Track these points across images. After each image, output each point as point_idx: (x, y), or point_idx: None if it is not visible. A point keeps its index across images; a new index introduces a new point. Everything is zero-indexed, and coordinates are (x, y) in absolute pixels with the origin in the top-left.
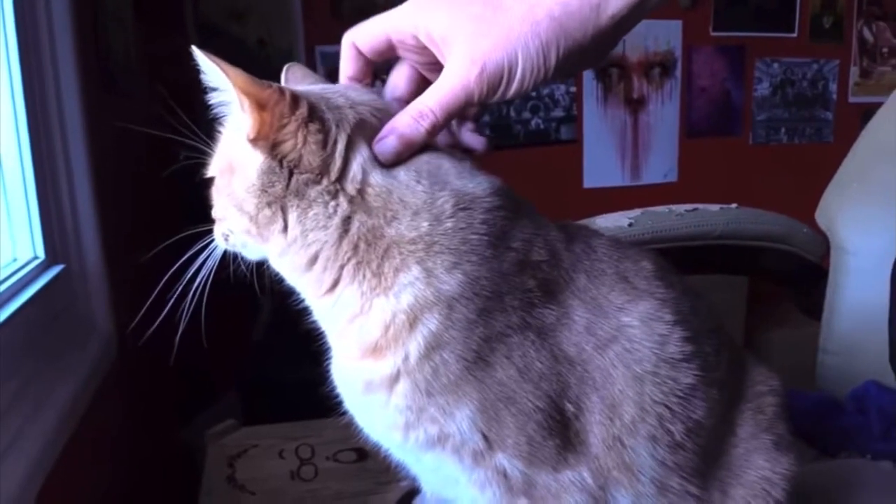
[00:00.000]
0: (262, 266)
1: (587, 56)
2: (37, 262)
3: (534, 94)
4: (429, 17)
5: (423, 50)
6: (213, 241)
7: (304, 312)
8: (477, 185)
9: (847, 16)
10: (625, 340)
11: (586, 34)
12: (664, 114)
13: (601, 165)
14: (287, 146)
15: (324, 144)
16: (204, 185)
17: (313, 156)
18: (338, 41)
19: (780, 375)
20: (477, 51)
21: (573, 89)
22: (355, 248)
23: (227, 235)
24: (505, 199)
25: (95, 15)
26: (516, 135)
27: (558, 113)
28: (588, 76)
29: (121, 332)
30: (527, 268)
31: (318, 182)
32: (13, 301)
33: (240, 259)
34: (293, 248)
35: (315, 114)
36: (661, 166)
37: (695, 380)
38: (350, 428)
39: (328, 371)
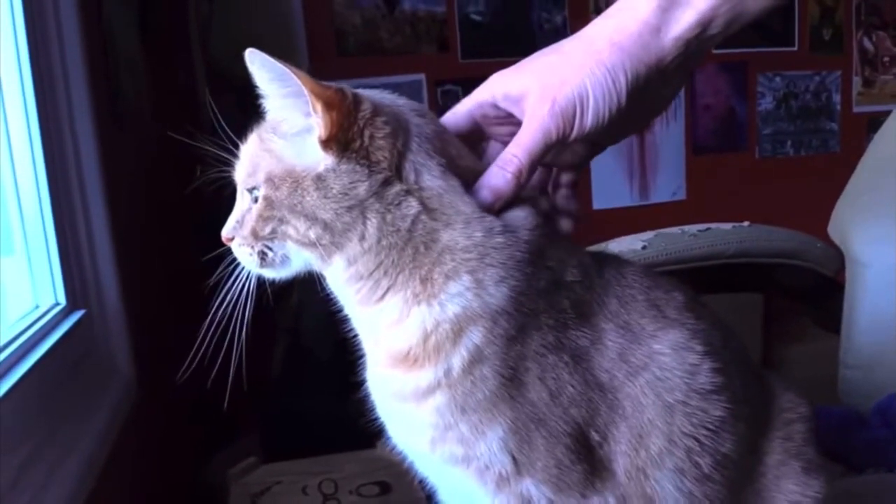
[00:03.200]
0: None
1: (655, 84)
2: (58, 308)
3: None
4: (504, 83)
5: (506, 118)
6: (236, 270)
7: (321, 346)
8: (517, 209)
9: (846, 27)
10: (656, 368)
11: (650, 57)
12: (670, 133)
13: (609, 187)
14: (356, 144)
15: (392, 137)
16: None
17: (382, 151)
18: (343, 77)
19: (800, 390)
20: (546, 90)
21: None
22: (416, 251)
23: (266, 252)
24: (542, 221)
25: (106, 56)
26: None
27: None
28: None
29: (141, 374)
30: (561, 287)
31: (391, 183)
32: (37, 348)
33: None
34: (368, 256)
35: (378, 109)
36: (669, 185)
37: (724, 412)
38: (371, 462)
39: (363, 380)
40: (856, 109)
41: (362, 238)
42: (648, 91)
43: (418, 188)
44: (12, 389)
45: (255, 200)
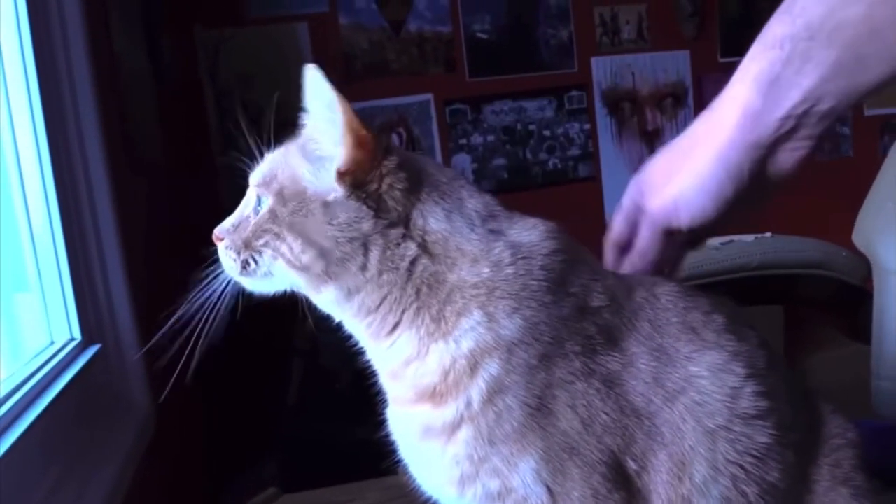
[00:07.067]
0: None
1: (761, 165)
2: (74, 343)
3: (548, 132)
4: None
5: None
6: (218, 273)
7: (339, 369)
8: (531, 231)
9: None
10: (694, 392)
11: (750, 143)
12: None
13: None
14: (371, 187)
15: (409, 192)
16: None
17: (396, 202)
18: (350, 99)
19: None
20: (649, 188)
21: (587, 126)
22: (418, 291)
23: (249, 262)
24: (561, 242)
25: (116, 91)
26: (535, 176)
27: (574, 151)
28: (601, 112)
29: (158, 407)
30: (587, 314)
31: (395, 225)
32: (54, 384)
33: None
34: (368, 287)
35: (403, 164)
36: None
37: (770, 439)
38: (395, 489)
39: (384, 418)
40: (867, 113)
41: (363, 268)
42: (757, 176)
43: (422, 232)
44: (31, 426)
45: (257, 212)
